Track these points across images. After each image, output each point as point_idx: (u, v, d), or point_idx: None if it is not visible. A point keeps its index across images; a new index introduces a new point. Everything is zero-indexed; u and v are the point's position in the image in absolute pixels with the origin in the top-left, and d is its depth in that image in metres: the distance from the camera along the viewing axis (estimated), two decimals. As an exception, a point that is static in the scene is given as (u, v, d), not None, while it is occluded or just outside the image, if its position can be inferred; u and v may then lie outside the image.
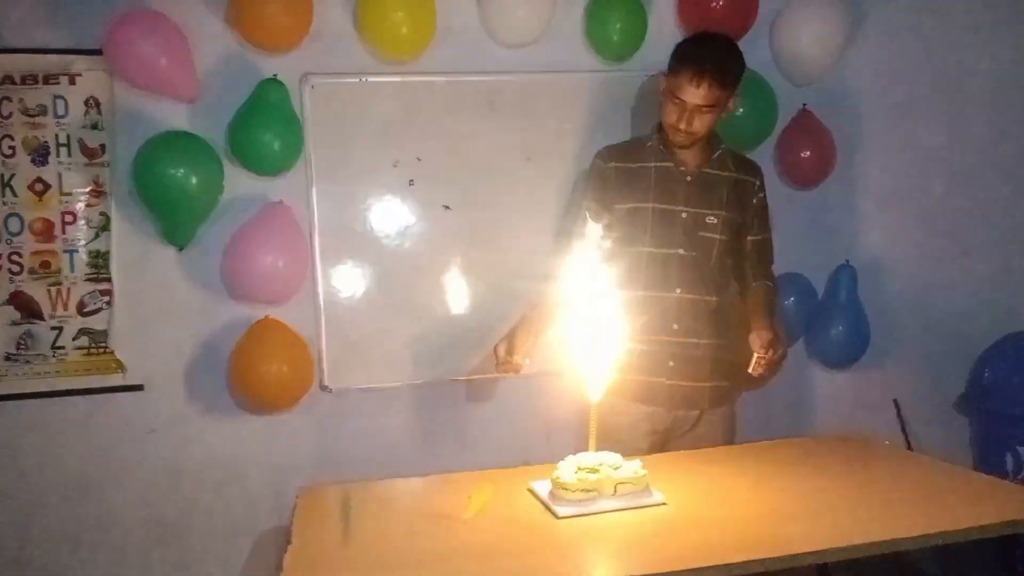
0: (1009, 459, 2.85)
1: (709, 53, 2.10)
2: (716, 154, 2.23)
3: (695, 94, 2.07)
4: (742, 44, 2.70)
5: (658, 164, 2.21)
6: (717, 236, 2.20)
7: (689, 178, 2.21)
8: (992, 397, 2.93)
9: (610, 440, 1.96)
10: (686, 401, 2.22)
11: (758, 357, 2.06)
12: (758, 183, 2.27)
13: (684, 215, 2.19)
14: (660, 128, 2.22)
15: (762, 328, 2.12)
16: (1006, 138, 3.10)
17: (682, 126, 2.11)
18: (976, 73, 3.06)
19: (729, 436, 2.31)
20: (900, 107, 3.00)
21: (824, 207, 2.93)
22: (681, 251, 2.18)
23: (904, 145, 3.01)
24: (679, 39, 2.70)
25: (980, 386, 2.99)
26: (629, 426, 2.21)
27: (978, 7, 3.04)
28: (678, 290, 2.19)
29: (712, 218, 2.19)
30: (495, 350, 2.18)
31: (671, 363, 2.20)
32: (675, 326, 2.19)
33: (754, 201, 2.26)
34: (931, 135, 3.03)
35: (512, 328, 2.23)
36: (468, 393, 2.68)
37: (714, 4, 2.62)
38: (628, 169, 2.23)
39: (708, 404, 2.24)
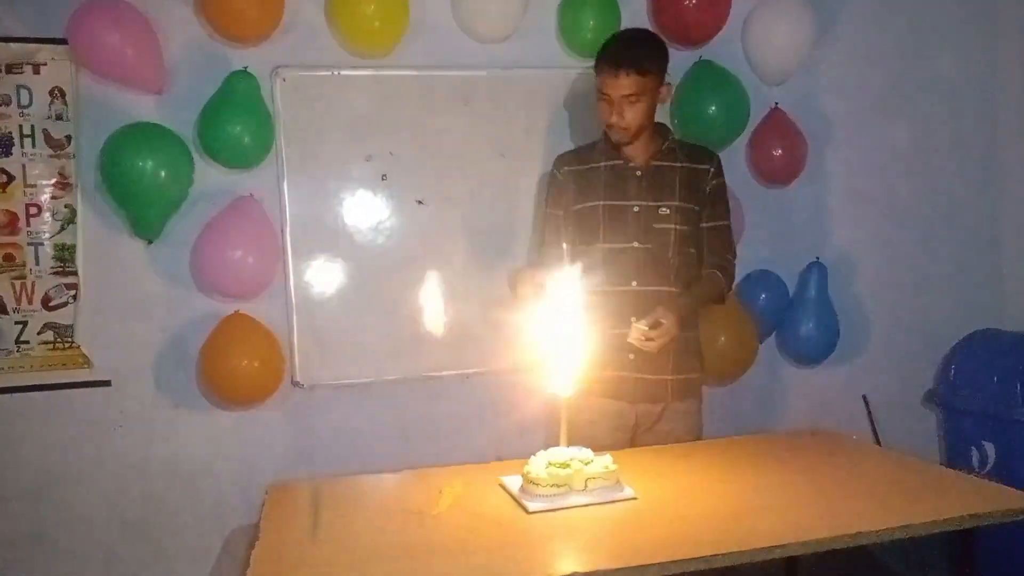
0: (975, 454, 2.89)
1: (623, 45, 2.16)
2: (664, 146, 2.24)
3: (616, 85, 2.10)
4: (715, 42, 2.75)
5: (608, 163, 2.24)
6: (672, 227, 2.20)
7: (639, 173, 2.23)
8: (959, 393, 2.98)
9: (576, 436, 1.96)
10: (649, 394, 2.22)
11: (635, 325, 2.08)
12: (712, 170, 2.26)
13: (636, 209, 2.21)
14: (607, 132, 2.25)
15: (665, 306, 2.12)
16: (972, 138, 3.16)
17: (614, 120, 2.14)
18: (943, 75, 3.11)
19: (696, 431, 2.31)
20: (869, 107, 3.03)
21: (795, 205, 2.96)
22: (636, 244, 2.20)
23: (873, 145, 3.05)
24: (653, 36, 2.74)
25: (947, 382, 3.04)
26: (593, 422, 2.21)
27: (945, 10, 3.09)
28: (634, 283, 2.20)
29: (665, 209, 2.20)
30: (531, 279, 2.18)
31: (631, 356, 2.19)
32: (633, 319, 2.17)
33: (708, 188, 2.25)
34: (899, 135, 3.08)
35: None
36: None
37: (687, 2, 2.63)
38: (580, 172, 2.27)
39: (672, 397, 2.24)
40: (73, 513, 2.45)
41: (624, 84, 2.10)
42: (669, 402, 2.24)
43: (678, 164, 2.24)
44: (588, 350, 2.02)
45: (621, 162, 2.23)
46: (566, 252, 2.09)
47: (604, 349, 2.18)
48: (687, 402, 2.28)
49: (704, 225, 2.26)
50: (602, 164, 2.25)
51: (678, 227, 2.21)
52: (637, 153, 2.23)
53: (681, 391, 2.26)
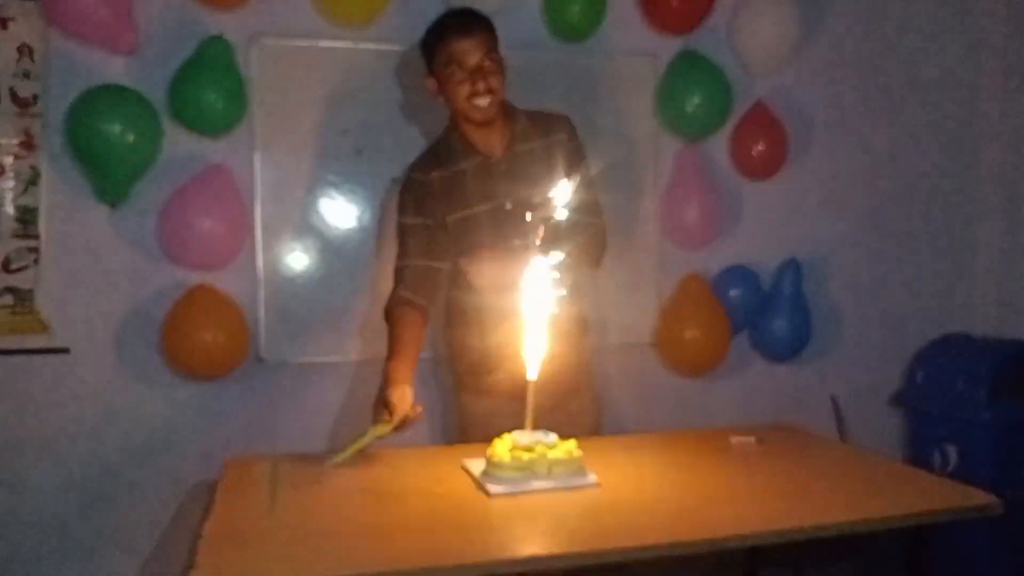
0: (937, 456, 2.91)
1: (457, 13, 2.05)
2: (518, 127, 2.08)
3: (473, 49, 1.96)
4: (700, 32, 2.74)
5: (469, 164, 2.07)
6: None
7: (503, 166, 2.06)
8: (924, 396, 2.99)
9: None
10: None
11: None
12: (564, 135, 2.10)
13: (509, 207, 2.04)
14: (455, 127, 2.09)
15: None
16: (950, 143, 3.17)
17: (481, 86, 1.95)
18: (926, 79, 3.12)
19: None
20: (851, 107, 3.04)
21: (773, 201, 2.95)
22: (516, 242, 2.00)
23: (854, 144, 3.05)
24: (638, 21, 2.73)
25: (914, 384, 3.05)
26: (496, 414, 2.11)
27: (930, 12, 3.10)
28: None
29: (537, 197, 2.01)
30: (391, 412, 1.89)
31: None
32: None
33: (562, 156, 2.08)
34: (880, 137, 3.08)
35: (386, 374, 1.97)
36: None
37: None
38: (447, 177, 2.07)
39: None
40: (27, 482, 2.39)
41: (480, 45, 1.97)
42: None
43: (534, 144, 2.07)
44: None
45: (481, 159, 2.06)
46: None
47: (493, 346, 2.07)
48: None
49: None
50: (464, 166, 2.06)
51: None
52: (493, 142, 2.07)
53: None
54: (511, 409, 2.07)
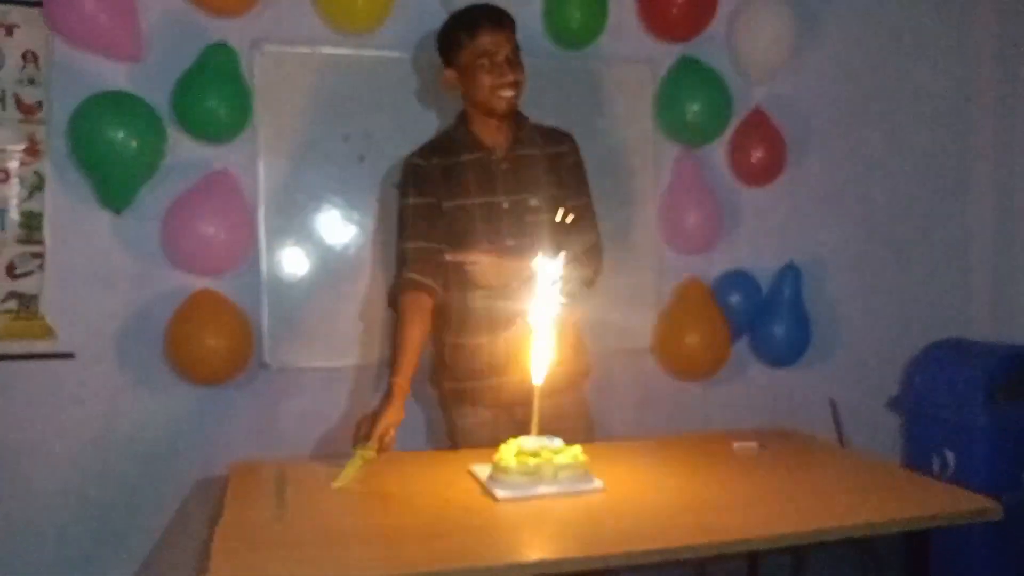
0: (936, 461, 2.94)
1: (487, 8, 2.04)
2: (523, 132, 2.09)
3: (504, 41, 1.98)
4: (699, 40, 2.76)
5: (471, 156, 2.06)
6: (543, 218, 2.05)
7: (505, 165, 2.06)
8: (922, 400, 3.02)
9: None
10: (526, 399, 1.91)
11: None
12: (566, 149, 2.13)
13: (506, 205, 2.04)
14: (463, 120, 2.10)
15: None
16: (942, 150, 3.21)
17: (509, 78, 1.98)
18: (919, 87, 3.16)
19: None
20: (847, 114, 3.07)
21: (772, 206, 2.98)
22: (509, 242, 2.02)
23: (850, 151, 3.09)
24: (638, 28, 2.75)
25: (911, 389, 3.08)
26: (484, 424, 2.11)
27: (923, 24, 3.15)
28: (513, 282, 2.00)
29: (534, 200, 2.05)
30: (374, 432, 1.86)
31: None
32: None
33: (566, 168, 2.11)
34: (875, 143, 3.12)
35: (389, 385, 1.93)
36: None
37: (674, -2, 2.63)
38: (447, 166, 2.06)
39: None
40: (27, 488, 2.39)
41: (510, 39, 2.00)
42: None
43: (538, 151, 2.09)
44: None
45: (483, 154, 2.06)
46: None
47: (486, 353, 2.06)
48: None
49: (568, 204, 2.08)
50: (465, 158, 2.06)
51: (549, 217, 2.05)
52: (499, 141, 2.07)
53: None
54: (503, 421, 2.10)
